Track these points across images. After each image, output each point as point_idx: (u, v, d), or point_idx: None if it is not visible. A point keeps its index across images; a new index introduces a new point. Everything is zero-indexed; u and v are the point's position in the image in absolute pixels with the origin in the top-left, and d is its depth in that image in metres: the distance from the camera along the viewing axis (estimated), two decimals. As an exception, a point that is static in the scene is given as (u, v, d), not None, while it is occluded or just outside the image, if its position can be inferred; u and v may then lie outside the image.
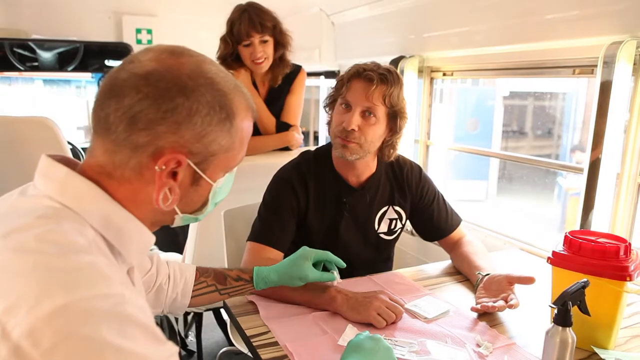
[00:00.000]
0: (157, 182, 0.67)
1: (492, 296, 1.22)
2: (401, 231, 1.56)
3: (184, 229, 2.14)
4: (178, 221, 0.76)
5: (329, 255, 1.16)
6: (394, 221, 1.52)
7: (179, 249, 2.28)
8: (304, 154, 1.50)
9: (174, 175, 0.68)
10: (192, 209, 0.75)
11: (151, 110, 0.63)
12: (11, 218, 0.61)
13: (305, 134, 3.65)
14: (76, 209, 0.64)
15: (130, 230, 0.69)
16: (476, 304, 1.20)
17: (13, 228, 0.59)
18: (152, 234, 0.74)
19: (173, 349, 0.60)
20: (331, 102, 1.42)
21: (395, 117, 1.36)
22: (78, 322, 0.52)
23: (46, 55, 3.11)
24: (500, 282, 1.23)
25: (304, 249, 1.14)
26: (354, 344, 0.89)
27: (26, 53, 3.06)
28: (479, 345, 1.06)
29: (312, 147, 1.55)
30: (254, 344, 1.05)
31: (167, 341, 0.60)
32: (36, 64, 3.12)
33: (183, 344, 2.35)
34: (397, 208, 1.51)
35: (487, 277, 1.28)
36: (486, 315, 1.20)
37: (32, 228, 0.59)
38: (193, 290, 1.07)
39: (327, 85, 1.35)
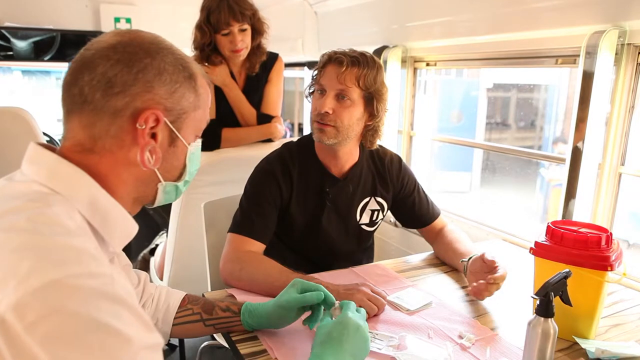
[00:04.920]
0: (140, 141, 0.70)
1: (482, 279, 1.22)
2: (381, 221, 1.55)
3: (166, 222, 2.10)
4: (160, 195, 0.78)
5: (319, 287, 1.00)
6: (376, 212, 1.50)
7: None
8: (287, 145, 1.48)
9: (153, 136, 0.71)
10: (173, 176, 0.78)
11: (124, 73, 0.68)
12: (1, 202, 0.62)
13: (290, 126, 3.61)
14: (65, 194, 0.65)
15: (116, 217, 0.71)
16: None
17: (4, 210, 0.60)
18: (136, 224, 0.75)
19: (159, 340, 0.59)
20: (311, 92, 1.42)
21: (372, 100, 1.34)
22: (66, 297, 0.52)
23: (21, 44, 3.01)
24: (482, 267, 1.25)
25: (295, 280, 1.03)
26: (322, 332, 0.86)
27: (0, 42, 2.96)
28: (461, 337, 1.05)
29: (295, 139, 1.53)
30: (233, 338, 1.03)
31: (155, 330, 0.60)
32: (11, 53, 3.02)
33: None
34: (379, 199, 1.50)
35: (470, 261, 1.30)
36: (469, 306, 1.20)
37: (23, 210, 0.60)
38: (176, 318, 1.02)
39: (310, 76, 1.35)
